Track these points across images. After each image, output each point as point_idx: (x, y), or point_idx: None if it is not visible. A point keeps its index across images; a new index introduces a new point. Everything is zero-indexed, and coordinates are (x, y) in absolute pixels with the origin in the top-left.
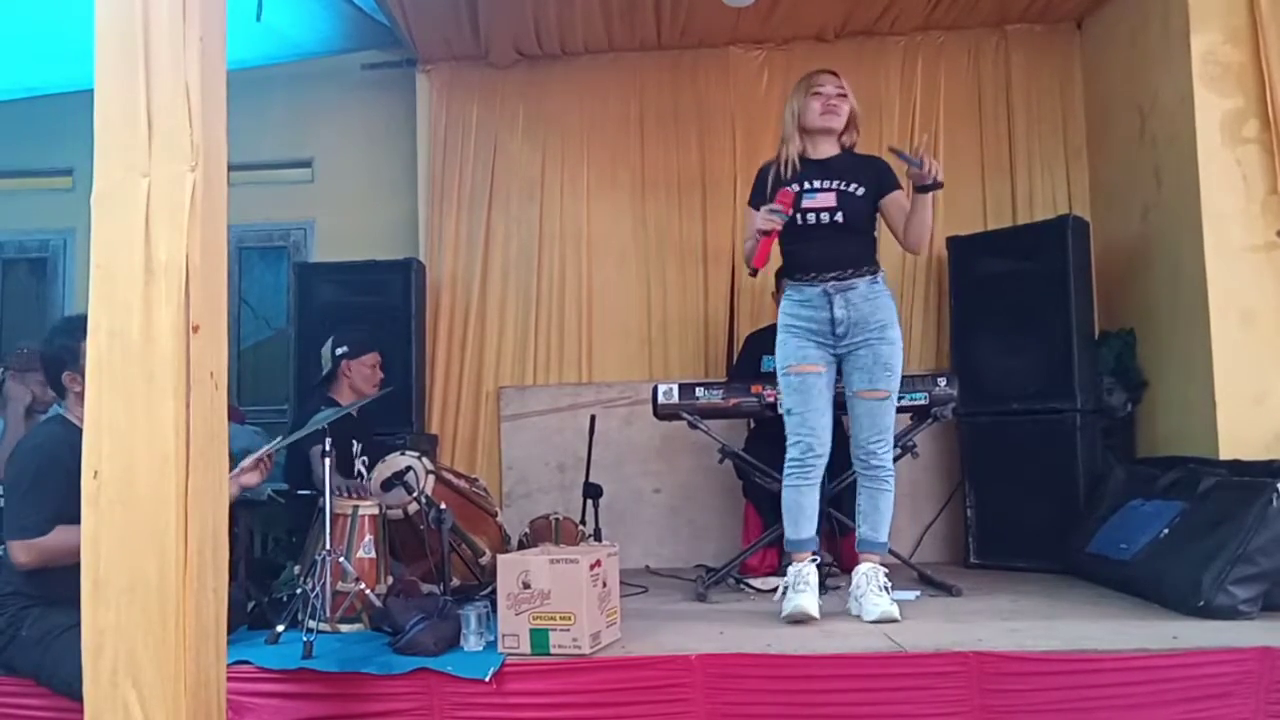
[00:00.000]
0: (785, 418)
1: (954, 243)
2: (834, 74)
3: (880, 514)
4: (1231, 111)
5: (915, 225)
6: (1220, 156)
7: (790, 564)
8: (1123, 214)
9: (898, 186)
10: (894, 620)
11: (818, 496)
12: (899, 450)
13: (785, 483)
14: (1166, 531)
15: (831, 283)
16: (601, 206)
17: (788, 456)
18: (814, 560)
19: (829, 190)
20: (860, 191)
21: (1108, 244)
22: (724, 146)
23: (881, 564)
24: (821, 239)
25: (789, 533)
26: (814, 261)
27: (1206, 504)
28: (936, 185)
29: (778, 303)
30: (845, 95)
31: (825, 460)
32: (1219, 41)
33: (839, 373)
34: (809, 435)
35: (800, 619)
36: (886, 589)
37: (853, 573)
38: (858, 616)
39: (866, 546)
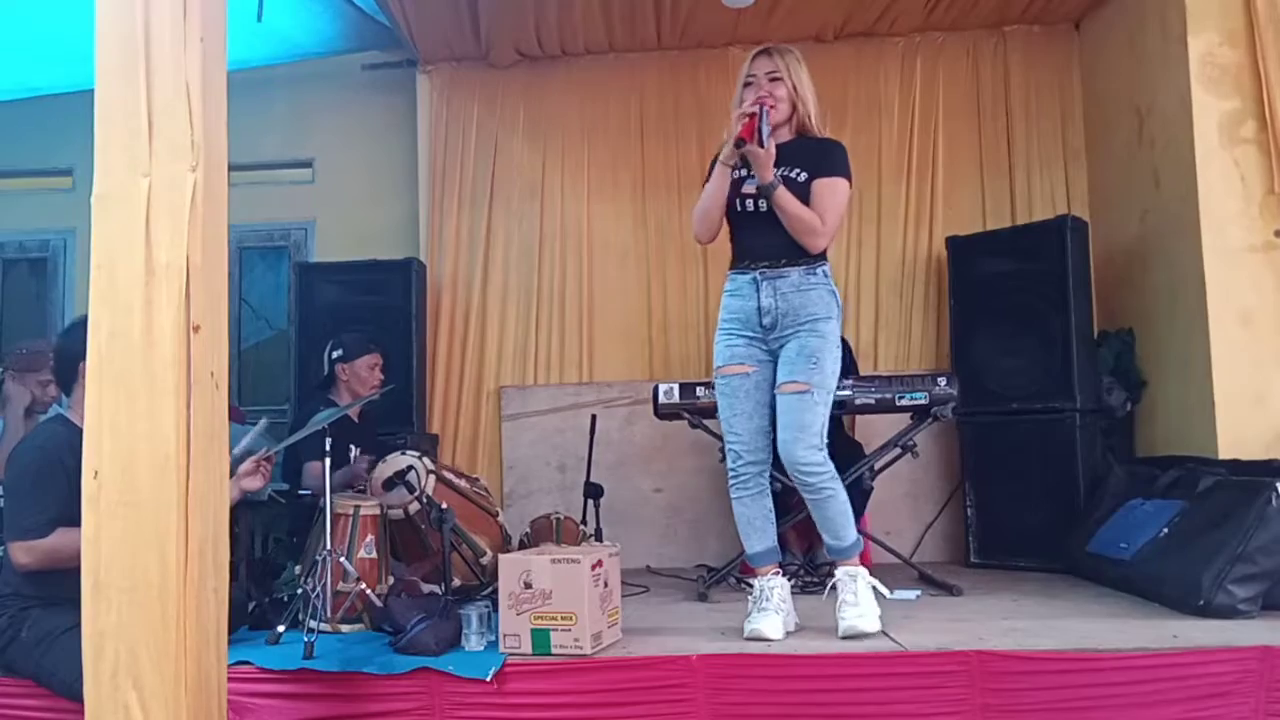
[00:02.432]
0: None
1: (953, 243)
2: (767, 53)
3: (831, 520)
4: (1229, 112)
5: (789, 229)
6: (1218, 157)
7: (754, 579)
8: (1121, 214)
9: (831, 174)
10: (862, 635)
11: (769, 504)
12: (899, 450)
13: (731, 495)
14: (1166, 531)
15: (762, 270)
16: (602, 206)
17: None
18: (778, 574)
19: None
20: (802, 177)
21: (1107, 244)
22: None
23: (861, 564)
24: (755, 226)
25: (745, 546)
26: (748, 249)
27: (1206, 503)
28: (767, 188)
29: None
30: (780, 78)
31: (763, 466)
32: (1216, 43)
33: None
34: (736, 443)
35: (758, 640)
36: (874, 588)
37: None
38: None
39: (835, 554)
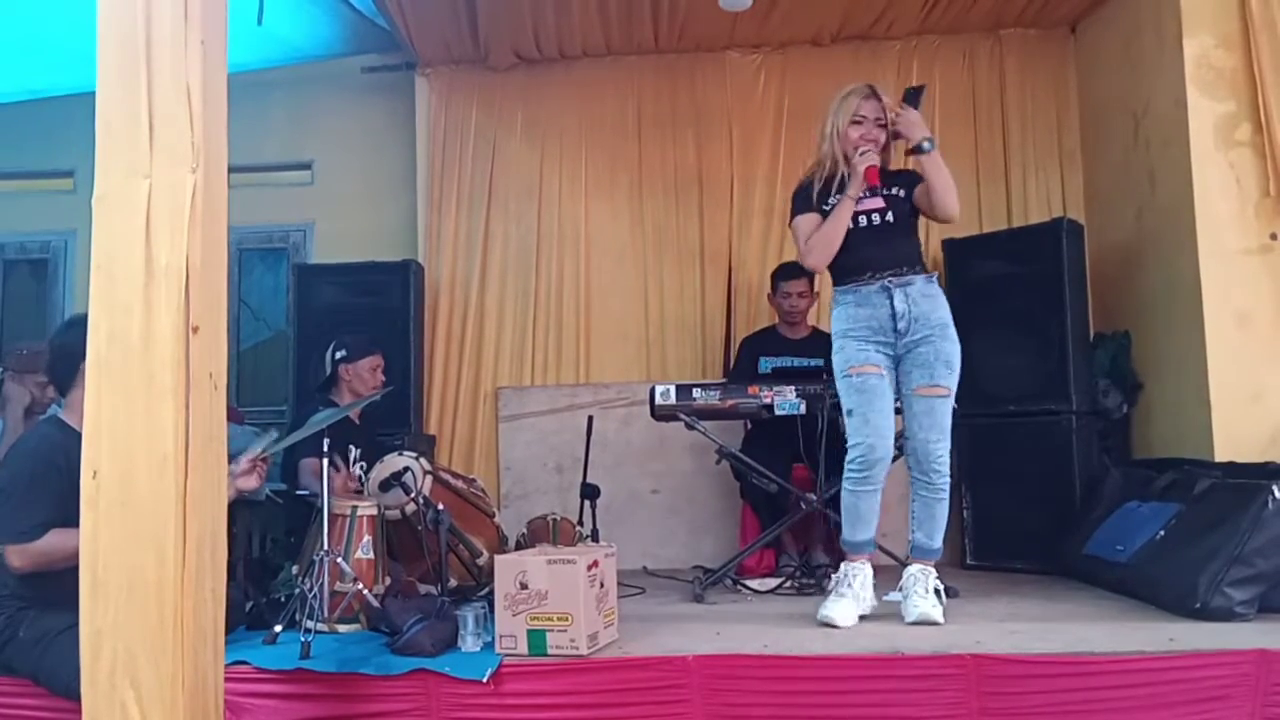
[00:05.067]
0: (846, 419)
1: (949, 245)
2: (877, 97)
3: (935, 522)
4: (1224, 115)
5: (933, 189)
6: (1213, 160)
7: (843, 560)
8: (1117, 217)
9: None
10: (934, 623)
11: (878, 502)
12: (895, 451)
13: (844, 485)
14: (1163, 533)
15: (889, 278)
16: (599, 208)
17: (848, 458)
18: (867, 563)
19: (875, 196)
20: (901, 194)
21: (1102, 247)
22: (721, 149)
23: (934, 567)
24: (875, 240)
25: (845, 532)
26: (869, 260)
27: (1202, 506)
28: (919, 149)
29: (773, 304)
30: (885, 124)
31: (888, 464)
32: (1211, 46)
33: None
34: (871, 436)
35: (829, 625)
36: (938, 591)
37: (903, 573)
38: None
39: (920, 553)
